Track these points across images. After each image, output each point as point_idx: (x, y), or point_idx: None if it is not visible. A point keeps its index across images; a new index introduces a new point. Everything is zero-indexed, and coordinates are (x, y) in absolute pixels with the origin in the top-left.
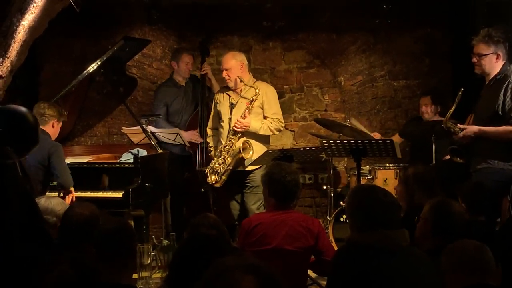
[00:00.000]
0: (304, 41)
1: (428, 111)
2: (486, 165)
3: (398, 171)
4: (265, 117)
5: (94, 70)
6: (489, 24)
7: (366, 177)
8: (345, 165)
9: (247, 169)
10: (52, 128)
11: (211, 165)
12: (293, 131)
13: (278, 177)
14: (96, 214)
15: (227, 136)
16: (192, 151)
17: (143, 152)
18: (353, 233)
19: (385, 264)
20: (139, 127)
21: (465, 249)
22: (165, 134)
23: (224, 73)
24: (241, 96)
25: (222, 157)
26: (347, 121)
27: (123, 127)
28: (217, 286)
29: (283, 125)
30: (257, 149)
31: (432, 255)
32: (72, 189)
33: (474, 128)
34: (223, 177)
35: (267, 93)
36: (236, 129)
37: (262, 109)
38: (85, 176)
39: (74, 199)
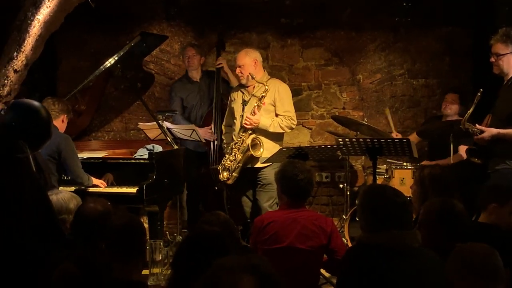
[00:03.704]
0: (323, 39)
1: (452, 108)
2: (504, 165)
3: (415, 170)
4: (277, 115)
5: (111, 65)
6: (510, 22)
7: (382, 176)
8: (362, 163)
9: (256, 166)
10: (61, 122)
11: (222, 162)
12: (310, 128)
13: (290, 175)
14: (109, 210)
15: (238, 133)
16: (206, 147)
17: (159, 148)
18: (363, 233)
19: (394, 264)
20: (155, 123)
21: (473, 253)
22: (181, 130)
23: (238, 70)
24: (252, 94)
25: (233, 154)
26: (364, 119)
27: (139, 123)
28: (216, 286)
29: (295, 123)
30: (268, 147)
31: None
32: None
33: (493, 131)
34: (234, 174)
35: (279, 91)
36: (245, 126)
37: (274, 106)
38: (100, 171)
39: (103, 184)
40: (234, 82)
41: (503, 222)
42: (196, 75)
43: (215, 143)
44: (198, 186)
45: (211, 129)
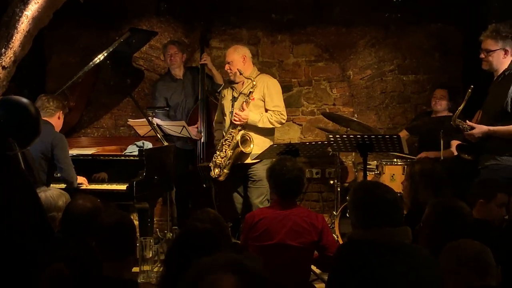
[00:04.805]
0: (313, 35)
1: (442, 104)
2: (493, 161)
3: (405, 166)
4: (266, 110)
5: (100, 61)
6: (501, 19)
7: (373, 172)
8: (353, 160)
9: (246, 162)
10: (58, 119)
11: (213, 159)
12: (300, 125)
13: (279, 173)
14: (99, 207)
15: (228, 130)
16: (193, 145)
17: (148, 145)
18: (354, 230)
19: (385, 261)
20: (145, 120)
21: (465, 250)
22: (171, 126)
23: (227, 66)
24: (241, 92)
25: (224, 150)
26: (354, 115)
27: (129, 119)
28: (197, 286)
29: (285, 118)
30: (259, 142)
31: None
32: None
33: (484, 128)
34: (225, 171)
35: (269, 86)
36: (234, 122)
37: (264, 101)
38: (90, 168)
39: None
40: (218, 79)
41: (492, 217)
42: (179, 72)
43: (201, 141)
44: (186, 183)
45: (197, 127)
